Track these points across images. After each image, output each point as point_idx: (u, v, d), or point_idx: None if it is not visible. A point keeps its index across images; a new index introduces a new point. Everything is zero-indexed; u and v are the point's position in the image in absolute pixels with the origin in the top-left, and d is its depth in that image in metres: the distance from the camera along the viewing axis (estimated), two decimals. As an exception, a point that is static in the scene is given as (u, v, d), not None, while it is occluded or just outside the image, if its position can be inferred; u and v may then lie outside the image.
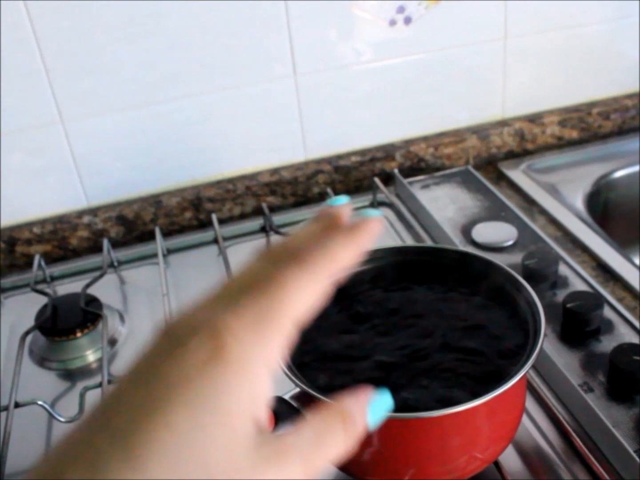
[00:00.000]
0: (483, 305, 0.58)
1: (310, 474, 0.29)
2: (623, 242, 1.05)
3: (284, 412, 0.49)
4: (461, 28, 0.99)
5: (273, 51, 0.93)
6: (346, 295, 0.58)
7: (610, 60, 1.07)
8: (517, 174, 1.02)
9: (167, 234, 0.98)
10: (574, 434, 0.60)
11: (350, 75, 0.98)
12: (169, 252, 0.95)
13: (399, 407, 0.49)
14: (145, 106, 0.92)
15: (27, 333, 0.76)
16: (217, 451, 0.27)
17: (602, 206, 1.01)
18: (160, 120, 0.94)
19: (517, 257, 0.80)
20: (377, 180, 0.98)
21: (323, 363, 0.53)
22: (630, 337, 0.69)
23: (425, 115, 1.04)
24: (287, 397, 0.51)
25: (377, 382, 0.51)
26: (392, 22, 0.96)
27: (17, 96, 0.88)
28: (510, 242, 0.84)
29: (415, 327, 0.56)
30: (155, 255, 0.91)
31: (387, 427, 0.48)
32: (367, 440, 0.49)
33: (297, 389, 0.50)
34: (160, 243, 0.92)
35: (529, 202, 0.95)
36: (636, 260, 1.04)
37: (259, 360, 0.29)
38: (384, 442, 0.50)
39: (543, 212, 0.93)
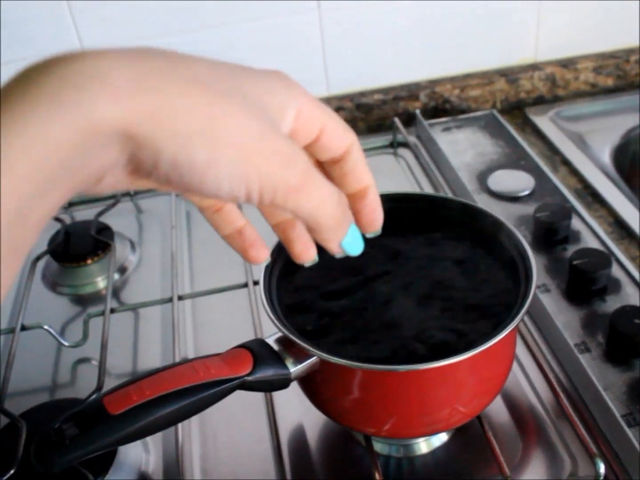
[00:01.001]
0: (474, 254, 0.57)
1: (303, 182, 0.32)
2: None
3: (264, 355, 0.49)
4: (496, -35, 0.95)
5: (298, -18, 0.91)
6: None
7: (653, 5, 1.02)
8: (543, 121, 0.99)
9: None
10: (561, 394, 0.59)
11: (377, 10, 0.95)
12: (185, 183, 0.95)
13: (388, 351, 0.49)
14: (165, 36, 0.91)
15: (38, 258, 0.78)
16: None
17: (630, 160, 0.98)
18: (183, 51, 0.93)
19: (531, 209, 0.79)
20: (397, 120, 0.96)
21: (313, 306, 0.54)
22: (636, 300, 0.67)
23: (452, 56, 1.01)
24: (269, 340, 0.51)
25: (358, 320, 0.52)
26: (424, -44, 0.93)
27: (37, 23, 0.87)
28: (526, 192, 0.82)
29: (406, 271, 0.55)
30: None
31: (368, 376, 0.49)
32: (349, 387, 0.50)
33: (280, 334, 0.51)
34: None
35: (553, 151, 0.93)
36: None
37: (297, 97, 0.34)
38: (365, 390, 0.50)
39: (566, 162, 0.90)
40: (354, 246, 0.38)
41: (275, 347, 0.50)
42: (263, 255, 0.41)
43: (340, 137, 0.36)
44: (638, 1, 1.00)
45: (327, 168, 0.38)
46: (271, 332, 0.51)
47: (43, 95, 0.25)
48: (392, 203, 0.54)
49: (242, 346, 0.50)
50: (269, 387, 0.49)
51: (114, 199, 0.88)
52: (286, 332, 0.49)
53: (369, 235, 0.40)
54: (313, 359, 0.49)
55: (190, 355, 0.71)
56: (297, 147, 0.32)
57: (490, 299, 0.52)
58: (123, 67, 0.27)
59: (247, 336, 0.69)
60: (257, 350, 0.49)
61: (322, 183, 0.33)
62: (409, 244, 0.57)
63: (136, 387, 0.44)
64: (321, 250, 0.40)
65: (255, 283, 0.71)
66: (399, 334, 0.50)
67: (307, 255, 0.41)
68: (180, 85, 0.28)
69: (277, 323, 0.50)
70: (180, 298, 0.71)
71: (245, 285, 0.72)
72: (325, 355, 0.47)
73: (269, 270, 0.54)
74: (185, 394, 0.45)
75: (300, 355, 0.49)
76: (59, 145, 0.25)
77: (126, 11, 0.88)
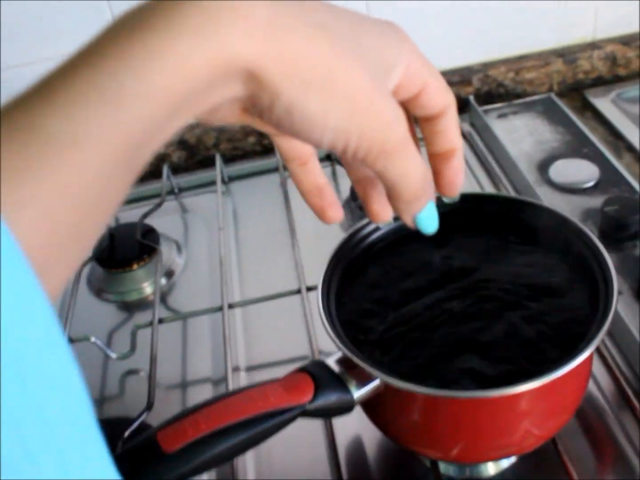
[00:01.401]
0: (547, 264, 0.53)
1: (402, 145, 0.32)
2: None
3: (326, 380, 0.46)
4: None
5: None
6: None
7: None
8: (605, 104, 0.93)
9: (229, 159, 0.95)
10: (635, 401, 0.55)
11: (426, -9, 0.90)
12: (230, 179, 0.92)
13: (455, 374, 0.46)
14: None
15: (83, 264, 0.76)
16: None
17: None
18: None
19: (597, 201, 0.74)
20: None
21: (374, 320, 0.51)
22: None
23: (506, 36, 0.96)
24: (330, 361, 0.48)
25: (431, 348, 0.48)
26: None
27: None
28: (591, 184, 0.78)
29: (477, 285, 0.52)
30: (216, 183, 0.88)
31: (435, 401, 0.46)
32: (415, 412, 0.47)
33: (341, 353, 0.48)
34: (220, 171, 0.89)
35: (616, 136, 0.88)
36: None
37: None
38: (432, 415, 0.47)
39: (630, 148, 0.85)
40: (427, 223, 0.38)
41: (337, 369, 0.47)
42: (339, 216, 0.41)
43: (439, 97, 0.36)
44: None
45: (420, 123, 0.38)
46: (328, 346, 0.48)
47: (185, 25, 0.26)
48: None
49: (301, 370, 0.47)
50: (331, 413, 0.46)
51: (159, 198, 0.85)
52: (349, 354, 0.46)
53: (446, 200, 0.40)
54: (377, 382, 0.45)
55: (242, 368, 0.68)
56: (399, 111, 0.32)
57: (566, 317, 0.48)
58: (261, 5, 0.28)
59: (302, 347, 0.67)
60: (317, 374, 0.46)
61: (414, 154, 0.33)
62: (478, 252, 0.54)
63: (191, 421, 0.41)
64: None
65: (309, 289, 0.68)
66: (468, 355, 0.47)
67: (383, 215, 0.41)
68: (309, 31, 0.29)
69: (339, 343, 0.47)
70: (230, 306, 0.69)
71: (299, 291, 0.69)
72: (392, 380, 0.44)
73: (327, 282, 0.51)
74: (244, 426, 0.42)
75: (363, 378, 0.46)
76: (193, 76, 0.26)
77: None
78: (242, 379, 0.68)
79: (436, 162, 0.38)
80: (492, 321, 0.49)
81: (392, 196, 0.35)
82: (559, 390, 0.46)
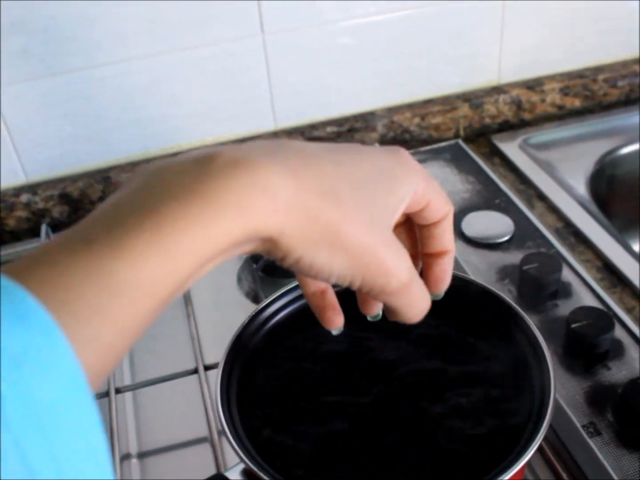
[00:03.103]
0: (480, 350, 0.48)
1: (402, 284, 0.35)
2: (628, 225, 0.95)
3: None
4: (454, -19, 0.87)
5: (237, 6, 0.80)
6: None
7: (619, 20, 0.95)
8: (512, 149, 0.91)
9: (117, 214, 0.86)
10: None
11: (326, 33, 0.85)
12: (119, 236, 0.84)
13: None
14: (87, 69, 0.80)
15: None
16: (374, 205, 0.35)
17: (606, 185, 0.91)
18: (106, 85, 0.82)
19: (514, 257, 0.71)
20: (355, 157, 0.87)
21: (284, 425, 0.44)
22: (643, 364, 0.59)
23: (410, 80, 0.92)
24: (231, 474, 0.41)
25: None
26: (376, -26, 0.83)
27: None
28: (506, 238, 0.74)
29: (392, 382, 0.46)
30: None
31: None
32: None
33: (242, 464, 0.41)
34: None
35: (526, 184, 0.85)
36: (643, 246, 0.95)
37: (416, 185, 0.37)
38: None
39: (541, 196, 0.82)
40: None
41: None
42: (339, 322, 0.42)
43: (440, 210, 0.39)
44: (604, 16, 0.93)
45: (418, 227, 0.41)
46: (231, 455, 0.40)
47: (207, 201, 0.29)
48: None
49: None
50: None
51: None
52: (254, 468, 0.39)
53: (431, 297, 0.40)
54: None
55: (134, 455, 0.61)
56: (402, 256, 0.35)
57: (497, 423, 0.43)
58: (280, 179, 0.31)
59: (199, 431, 0.60)
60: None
61: (416, 291, 0.36)
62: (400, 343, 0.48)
63: None
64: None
65: (207, 368, 0.61)
66: (384, 472, 0.41)
67: (337, 321, 0.42)
68: (322, 200, 0.32)
69: (242, 454, 0.40)
70: (117, 391, 0.60)
71: (195, 371, 0.61)
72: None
73: (226, 378, 0.44)
74: None
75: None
76: (228, 241, 0.30)
77: (40, 41, 0.77)
78: (134, 467, 0.60)
79: (427, 259, 0.41)
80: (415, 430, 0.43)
81: (393, 316, 0.38)
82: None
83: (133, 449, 0.61)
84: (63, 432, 0.24)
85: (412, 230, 0.42)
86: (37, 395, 0.23)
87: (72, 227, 0.29)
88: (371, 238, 0.33)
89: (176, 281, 0.29)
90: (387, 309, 0.38)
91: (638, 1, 0.93)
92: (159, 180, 0.30)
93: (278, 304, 0.50)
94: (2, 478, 0.22)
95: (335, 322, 0.42)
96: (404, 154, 0.37)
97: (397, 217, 0.36)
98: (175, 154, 0.85)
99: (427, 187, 0.37)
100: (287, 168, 0.32)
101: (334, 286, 0.42)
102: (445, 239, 0.40)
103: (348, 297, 0.42)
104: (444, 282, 0.41)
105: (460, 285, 0.48)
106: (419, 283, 0.36)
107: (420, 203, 0.37)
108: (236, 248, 0.31)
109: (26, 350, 0.24)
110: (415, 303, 0.37)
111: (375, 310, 0.42)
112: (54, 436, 0.24)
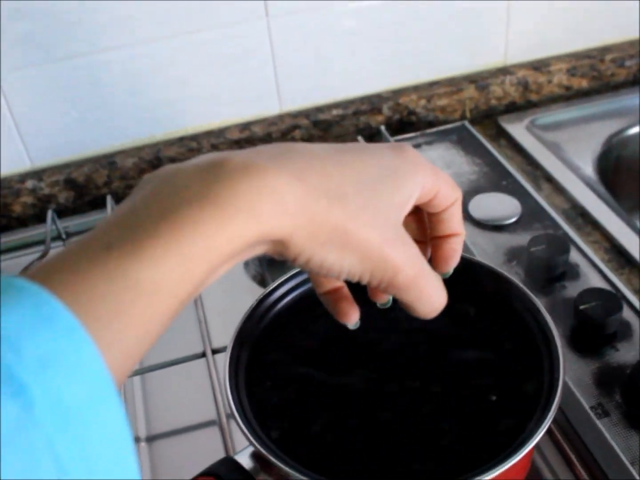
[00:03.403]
0: (488, 333, 0.47)
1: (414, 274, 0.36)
2: (635, 205, 0.95)
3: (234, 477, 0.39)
4: (460, -39, 0.86)
5: (241, -12, 0.80)
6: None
7: (627, -1, 0.94)
8: (519, 131, 0.90)
9: (123, 198, 0.85)
10: (583, 473, 0.51)
11: (331, 16, 0.85)
12: (125, 221, 0.84)
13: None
14: (92, 53, 0.79)
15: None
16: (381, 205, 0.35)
17: (613, 166, 0.90)
18: (111, 69, 0.81)
19: (521, 239, 0.70)
20: (360, 139, 0.87)
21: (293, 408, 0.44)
22: (652, 344, 0.59)
23: (416, 62, 0.91)
24: (241, 457, 0.41)
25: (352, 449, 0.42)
26: (381, -46, 0.82)
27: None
28: (513, 219, 0.73)
29: (398, 364, 0.46)
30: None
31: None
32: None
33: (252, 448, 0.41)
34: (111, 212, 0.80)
35: (533, 165, 0.84)
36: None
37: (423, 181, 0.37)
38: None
39: (548, 178, 0.82)
40: None
41: (249, 464, 0.41)
42: (355, 316, 0.42)
43: (448, 197, 0.39)
44: (612, -5, 0.92)
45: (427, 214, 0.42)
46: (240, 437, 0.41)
47: (219, 206, 0.30)
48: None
49: (208, 473, 0.39)
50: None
51: (44, 245, 0.76)
52: (264, 452, 0.39)
53: (441, 275, 0.41)
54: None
55: (142, 439, 0.61)
56: (411, 251, 0.36)
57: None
58: (287, 183, 0.32)
59: (208, 412, 0.60)
60: (226, 478, 0.39)
61: (428, 285, 0.37)
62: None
63: None
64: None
65: (214, 352, 0.61)
66: (392, 455, 0.41)
67: (353, 315, 0.42)
68: (329, 201, 0.33)
69: (253, 440, 0.40)
70: (126, 375, 0.60)
71: (203, 355, 0.61)
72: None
73: (234, 367, 0.44)
74: None
75: (280, 478, 0.39)
76: (241, 245, 0.31)
77: (44, 26, 0.76)
78: (143, 450, 0.61)
79: (436, 241, 0.41)
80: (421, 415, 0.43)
81: (408, 310, 0.38)
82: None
83: (142, 433, 0.62)
84: (92, 432, 0.24)
85: (421, 219, 0.42)
86: (65, 396, 0.24)
87: (89, 233, 0.30)
88: (377, 236, 0.34)
89: (193, 282, 0.30)
90: (401, 303, 0.38)
91: (646, -21, 0.92)
92: (171, 186, 0.31)
93: (285, 288, 0.50)
94: (37, 478, 0.22)
95: (352, 316, 0.42)
96: (409, 150, 0.38)
97: (405, 212, 0.37)
98: (181, 138, 0.86)
99: (435, 180, 0.38)
100: (294, 171, 0.33)
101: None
102: (454, 223, 0.40)
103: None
104: (453, 260, 0.41)
105: (468, 266, 0.48)
106: (428, 278, 0.37)
107: (429, 195, 0.38)
108: (249, 250, 0.32)
109: (53, 352, 0.24)
110: (425, 298, 0.37)
111: (384, 299, 0.43)
112: (84, 436, 0.24)
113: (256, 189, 0.31)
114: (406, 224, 0.37)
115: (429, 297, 0.37)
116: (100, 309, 0.27)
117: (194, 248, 0.29)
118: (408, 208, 0.37)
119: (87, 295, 0.27)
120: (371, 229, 0.34)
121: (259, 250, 0.33)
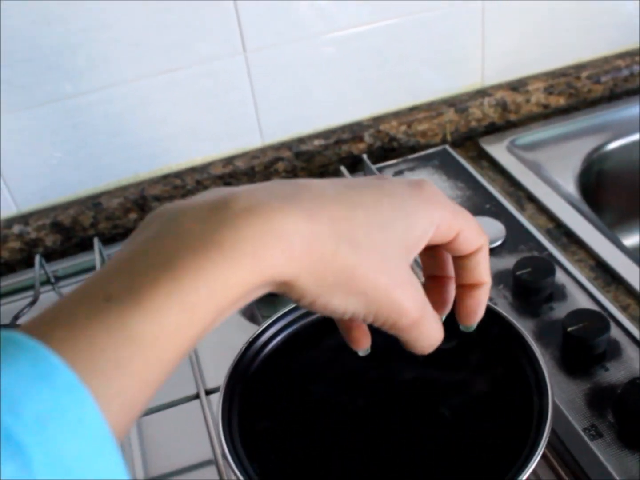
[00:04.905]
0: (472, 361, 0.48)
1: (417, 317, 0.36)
2: (618, 219, 0.96)
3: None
4: (433, -12, 0.87)
5: (217, 24, 0.81)
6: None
7: (598, 16, 0.95)
8: (499, 152, 0.91)
9: (110, 239, 0.86)
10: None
11: (307, 47, 0.86)
12: (113, 261, 0.84)
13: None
14: (73, 97, 0.80)
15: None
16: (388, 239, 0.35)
17: (595, 182, 0.91)
18: (92, 111, 0.82)
19: (507, 262, 0.71)
20: (343, 169, 0.87)
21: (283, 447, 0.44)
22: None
23: (395, 88, 0.92)
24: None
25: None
26: (354, -14, 0.84)
27: None
28: (498, 243, 0.74)
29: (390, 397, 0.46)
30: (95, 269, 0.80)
31: None
32: None
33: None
34: (99, 254, 0.81)
35: (515, 186, 0.85)
36: (635, 239, 0.96)
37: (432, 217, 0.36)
38: None
39: (531, 198, 0.83)
40: None
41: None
42: (366, 343, 0.42)
43: (472, 241, 0.38)
44: (585, 12, 0.94)
45: (452, 258, 0.41)
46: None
47: (223, 251, 0.30)
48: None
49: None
50: None
51: (33, 291, 0.76)
52: None
53: (462, 329, 0.41)
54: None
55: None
56: (416, 295, 0.36)
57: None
58: (295, 225, 0.32)
59: (205, 454, 0.60)
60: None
61: (428, 327, 0.37)
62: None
63: None
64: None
65: (208, 392, 0.61)
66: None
67: (365, 342, 0.42)
68: (337, 244, 0.33)
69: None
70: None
71: (197, 396, 0.61)
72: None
73: (227, 407, 0.44)
74: None
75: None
76: (246, 289, 0.30)
77: (19, 72, 0.77)
78: (143, 493, 0.61)
79: (460, 289, 0.41)
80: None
81: (405, 346, 0.38)
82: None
83: (140, 476, 0.62)
84: None
85: (438, 254, 0.41)
86: (65, 454, 0.24)
87: (88, 280, 0.30)
88: (385, 279, 0.34)
89: (195, 331, 0.29)
90: (399, 339, 0.38)
91: (616, -3, 0.94)
92: (174, 228, 0.31)
93: (275, 328, 0.50)
94: None
95: (363, 344, 0.42)
96: (427, 187, 0.37)
97: (415, 253, 0.36)
98: (165, 176, 0.86)
99: (454, 220, 0.37)
100: (302, 212, 0.32)
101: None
102: (479, 272, 0.39)
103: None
104: (476, 315, 0.41)
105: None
106: (429, 320, 0.37)
107: (448, 235, 0.37)
108: (253, 293, 0.32)
109: (53, 410, 0.24)
110: (424, 338, 0.37)
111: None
112: None
113: (261, 233, 0.30)
114: (422, 259, 0.38)
115: (428, 337, 0.37)
116: (100, 363, 0.27)
117: (196, 296, 0.29)
118: (419, 248, 0.37)
119: (86, 350, 0.26)
120: (379, 273, 0.34)
121: (264, 291, 0.33)
